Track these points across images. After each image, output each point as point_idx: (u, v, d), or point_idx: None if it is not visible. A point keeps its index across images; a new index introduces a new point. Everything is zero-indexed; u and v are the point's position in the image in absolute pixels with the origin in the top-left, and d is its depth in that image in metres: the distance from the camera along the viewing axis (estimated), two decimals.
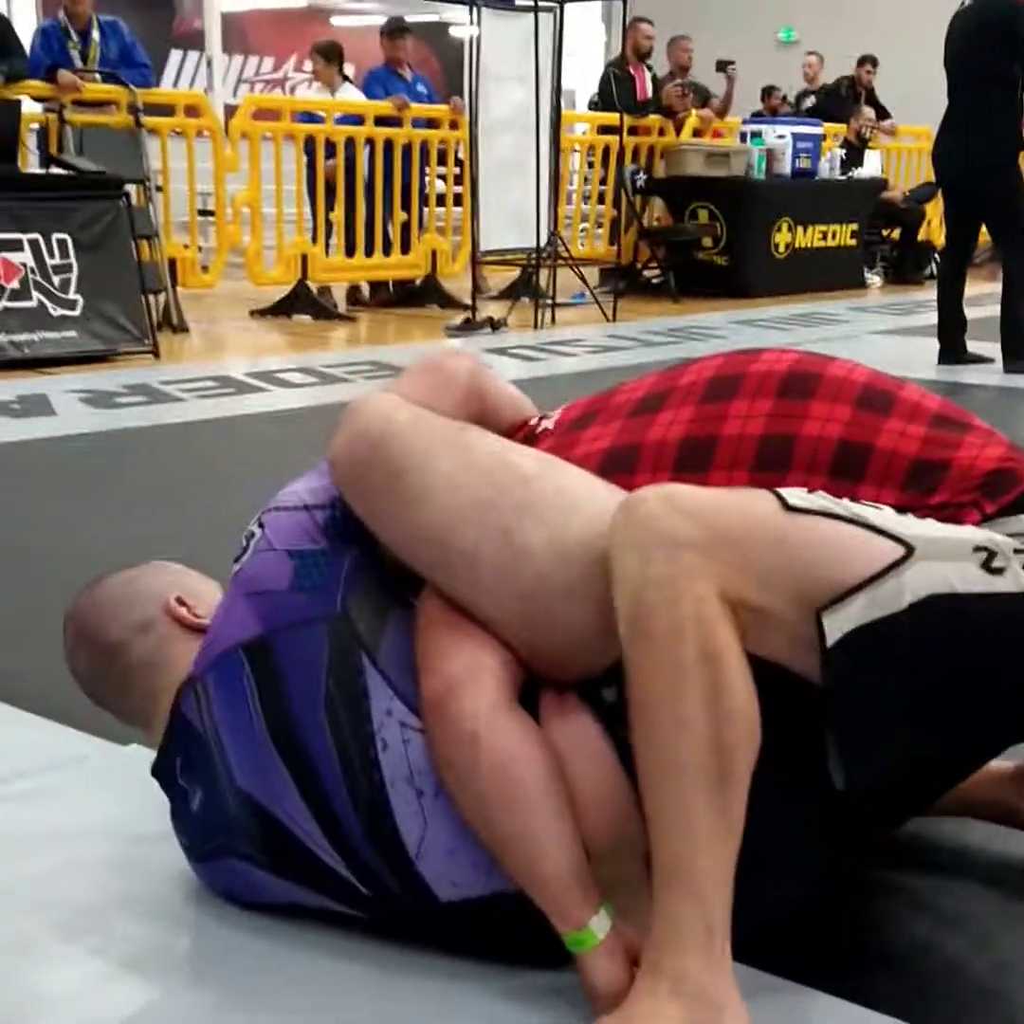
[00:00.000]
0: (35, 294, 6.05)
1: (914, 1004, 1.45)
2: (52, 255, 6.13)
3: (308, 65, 9.21)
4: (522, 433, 1.68)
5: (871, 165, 10.81)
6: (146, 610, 1.68)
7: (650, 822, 1.31)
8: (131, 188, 6.72)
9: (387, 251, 8.66)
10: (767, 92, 12.60)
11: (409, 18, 9.88)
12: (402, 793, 1.43)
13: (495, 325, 7.67)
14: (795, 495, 1.37)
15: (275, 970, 1.50)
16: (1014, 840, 1.78)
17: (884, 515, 1.38)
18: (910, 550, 1.33)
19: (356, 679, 1.45)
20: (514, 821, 1.37)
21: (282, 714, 1.46)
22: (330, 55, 8.86)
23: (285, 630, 1.48)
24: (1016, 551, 1.38)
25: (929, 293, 6.88)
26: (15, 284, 6.00)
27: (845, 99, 11.73)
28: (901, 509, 1.42)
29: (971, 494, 1.46)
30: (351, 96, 8.79)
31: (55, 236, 6.15)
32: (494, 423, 1.65)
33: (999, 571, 1.35)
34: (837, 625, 1.30)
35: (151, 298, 6.73)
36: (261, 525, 1.58)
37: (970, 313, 6.49)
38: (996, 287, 6.36)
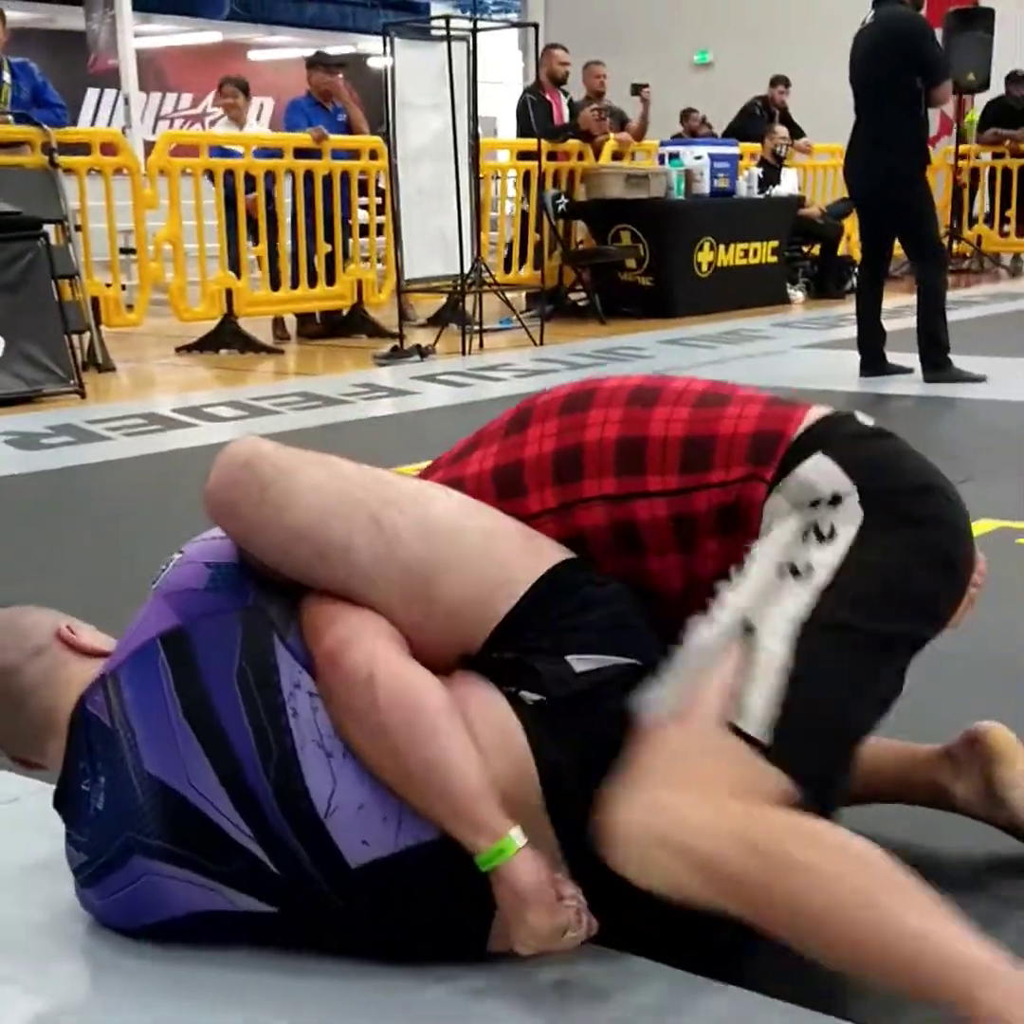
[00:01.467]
0: None
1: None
2: None
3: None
4: None
5: (788, 183, 10.96)
6: (36, 636, 1.71)
7: None
8: (49, 228, 6.68)
9: (312, 283, 8.66)
10: (685, 114, 12.75)
11: (328, 50, 9.91)
12: (312, 754, 1.48)
13: (423, 352, 7.68)
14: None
15: (208, 990, 1.48)
16: (945, 832, 1.80)
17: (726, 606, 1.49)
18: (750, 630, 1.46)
19: (267, 656, 1.53)
20: (418, 746, 1.42)
21: (196, 692, 1.52)
22: (246, 89, 8.90)
23: (200, 619, 1.56)
24: (805, 533, 1.50)
25: (851, 307, 6.97)
26: None
27: (759, 118, 11.89)
28: (684, 491, 1.56)
29: (744, 466, 1.56)
30: (260, 129, 8.83)
31: None
32: None
33: (806, 571, 1.47)
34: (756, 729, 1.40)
35: (75, 338, 6.68)
36: (181, 551, 1.67)
37: (889, 325, 6.58)
38: (914, 299, 6.45)
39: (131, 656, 1.57)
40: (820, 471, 1.53)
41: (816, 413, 1.60)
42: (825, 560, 1.48)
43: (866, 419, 1.64)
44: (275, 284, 8.49)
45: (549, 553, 1.59)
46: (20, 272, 6.25)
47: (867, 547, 1.49)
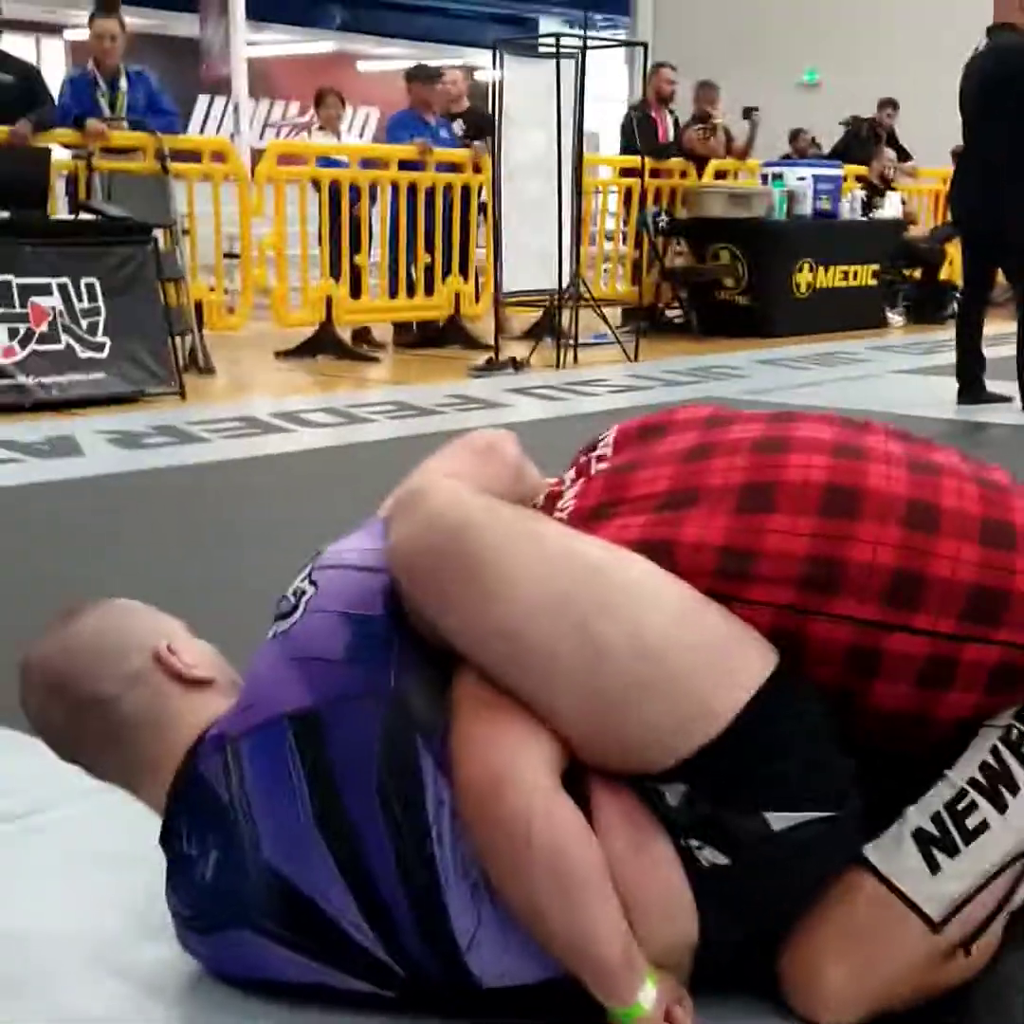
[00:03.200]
0: (63, 337, 6.15)
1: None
2: (81, 299, 6.22)
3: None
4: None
5: (892, 206, 10.87)
6: (133, 660, 1.55)
7: None
8: (158, 233, 6.83)
9: (411, 293, 8.76)
10: (794, 134, 12.70)
11: (434, 63, 10.02)
12: (456, 888, 1.39)
13: (517, 365, 7.73)
14: (929, 898, 1.44)
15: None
16: None
17: (993, 835, 1.45)
18: None
19: (410, 764, 1.40)
20: (567, 910, 1.35)
21: (332, 799, 1.40)
22: (320, 103, 9.20)
23: (336, 704, 1.41)
24: None
25: (950, 333, 6.90)
26: (44, 328, 6.09)
27: (866, 141, 11.80)
28: (958, 639, 1.42)
29: None
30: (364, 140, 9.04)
31: (83, 280, 6.24)
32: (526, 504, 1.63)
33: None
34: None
35: (178, 340, 6.82)
36: (313, 582, 1.51)
37: (989, 352, 6.50)
38: (1015, 327, 6.37)
39: (256, 730, 1.44)
40: None
41: None
42: None
43: None
44: (359, 292, 8.59)
45: (756, 669, 1.41)
46: (128, 275, 6.40)
47: None
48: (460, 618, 1.40)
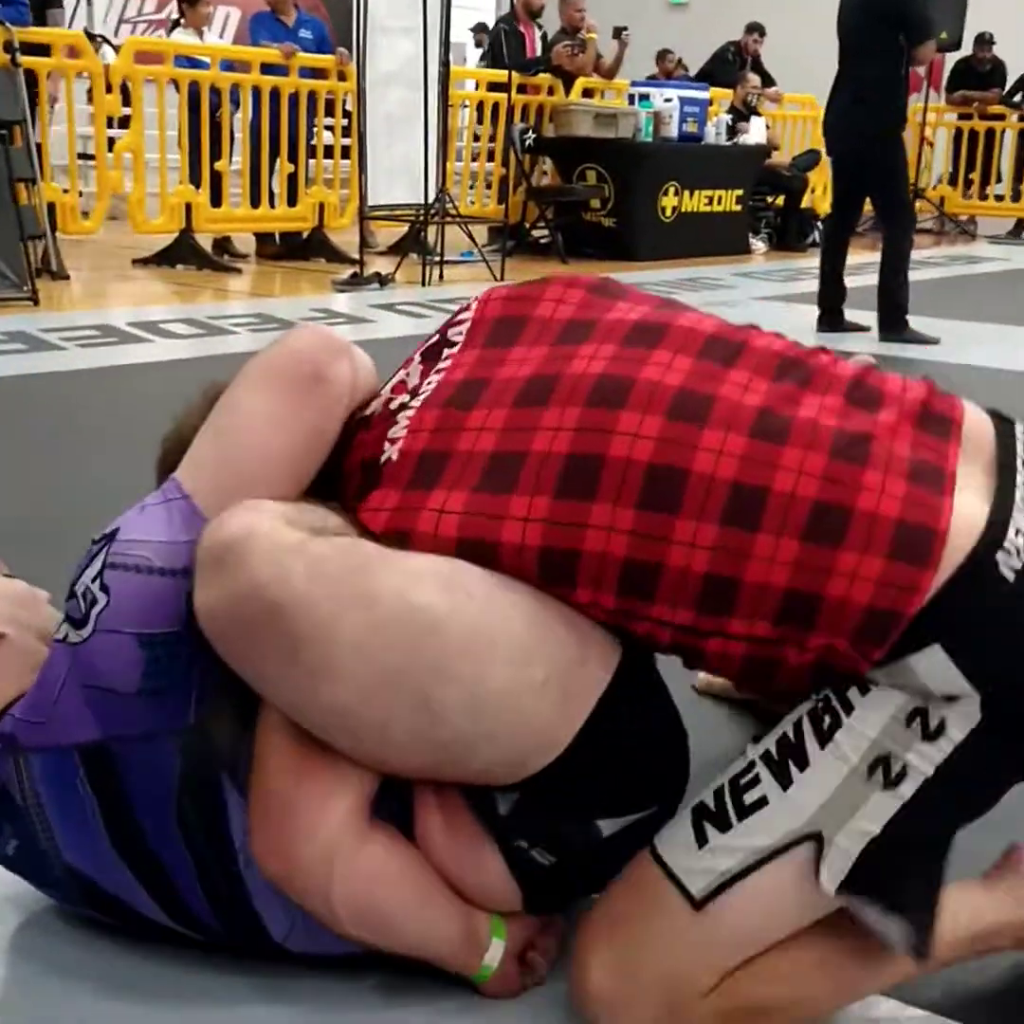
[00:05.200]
0: None
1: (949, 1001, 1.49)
2: None
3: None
4: (368, 449, 1.47)
5: (756, 132, 10.94)
6: None
7: None
8: (7, 130, 6.54)
9: (273, 203, 8.55)
10: (661, 55, 12.67)
11: None
12: (266, 899, 1.37)
13: (383, 280, 7.62)
14: (690, 871, 1.33)
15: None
16: None
17: (771, 811, 1.31)
18: (820, 841, 1.29)
19: (213, 796, 1.34)
20: (390, 940, 1.37)
21: (126, 824, 1.36)
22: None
23: (129, 741, 1.33)
24: (910, 716, 1.28)
25: (811, 261, 7.00)
26: None
27: (731, 64, 11.84)
28: (773, 642, 1.30)
29: (846, 640, 1.27)
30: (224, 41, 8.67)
31: None
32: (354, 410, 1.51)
33: (900, 778, 1.28)
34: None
35: (30, 243, 6.57)
36: (104, 588, 1.34)
37: (849, 282, 6.61)
38: (876, 257, 6.49)
39: (46, 751, 1.36)
40: (935, 671, 1.26)
41: (954, 559, 1.25)
42: (921, 765, 1.28)
43: None
44: (219, 200, 8.37)
45: (594, 685, 1.36)
46: None
47: (973, 758, 1.28)
48: (279, 694, 1.29)
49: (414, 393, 1.49)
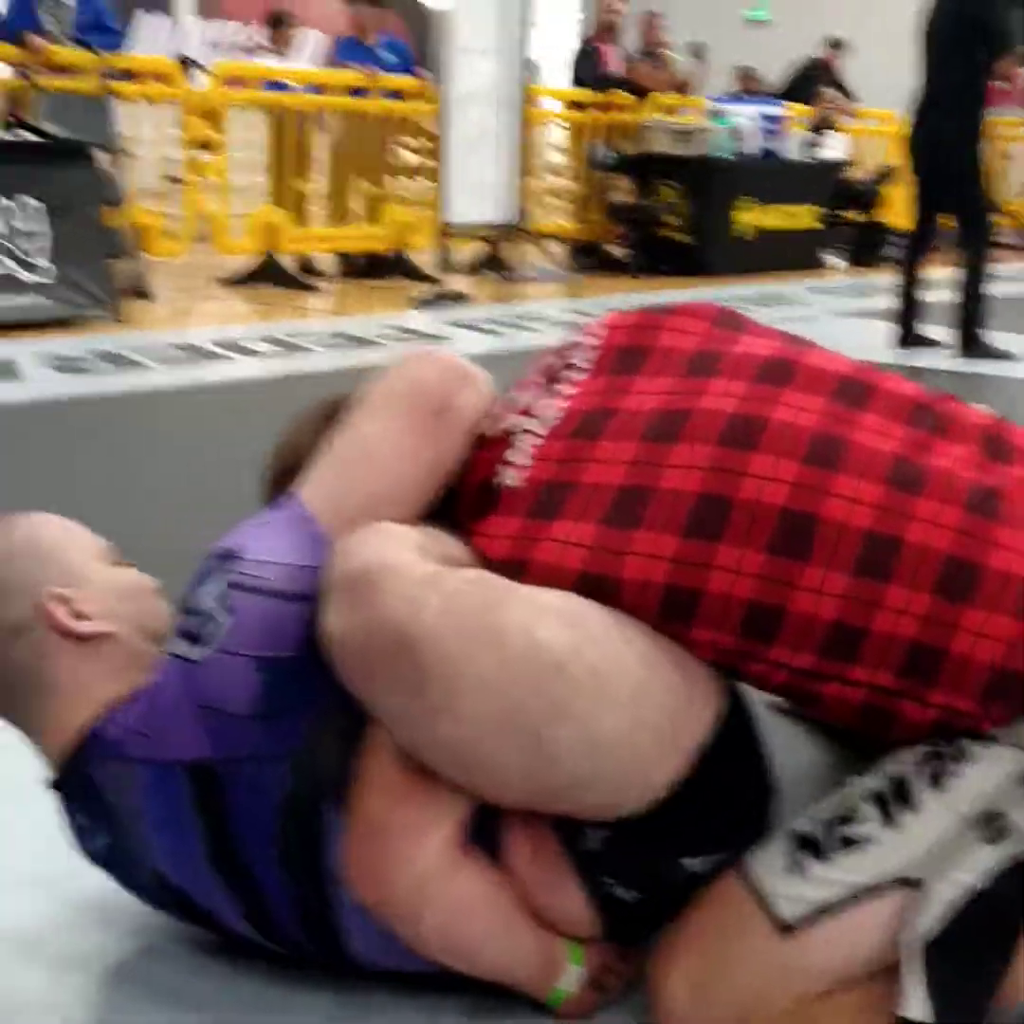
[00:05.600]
0: (2, 259, 6.08)
1: None
2: (20, 220, 6.15)
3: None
4: (484, 472, 1.48)
5: (834, 147, 10.92)
6: (15, 608, 1.45)
7: None
8: (100, 155, 6.75)
9: (354, 222, 8.71)
10: (741, 72, 12.69)
11: None
12: (354, 918, 1.39)
13: (460, 298, 7.74)
14: (781, 896, 1.33)
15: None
16: None
17: (872, 849, 1.31)
18: (916, 886, 1.29)
19: (313, 818, 1.35)
20: (472, 966, 1.41)
21: (226, 844, 1.37)
22: (279, 23, 8.97)
23: (239, 762, 1.34)
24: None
25: (887, 276, 6.98)
26: None
27: (811, 80, 11.83)
28: (896, 694, 1.30)
29: (972, 701, 1.29)
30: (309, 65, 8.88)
31: (23, 201, 6.16)
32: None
33: (1005, 835, 1.29)
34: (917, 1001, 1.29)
35: (118, 265, 6.75)
36: (230, 609, 1.35)
37: (927, 296, 6.59)
38: (954, 272, 6.46)
39: (153, 764, 1.37)
40: None
41: None
42: None
43: None
44: (303, 220, 8.54)
45: (697, 729, 1.36)
46: (70, 197, 6.31)
47: None
48: (398, 724, 1.30)
49: (531, 415, 1.49)
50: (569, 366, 1.55)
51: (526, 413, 1.51)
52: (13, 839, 1.79)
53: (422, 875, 1.32)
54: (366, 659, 1.27)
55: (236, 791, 1.35)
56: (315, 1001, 1.49)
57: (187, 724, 1.35)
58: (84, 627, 1.45)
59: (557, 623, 1.29)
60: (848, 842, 1.33)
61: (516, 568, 1.36)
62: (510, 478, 1.43)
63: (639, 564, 1.33)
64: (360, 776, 1.33)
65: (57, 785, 1.45)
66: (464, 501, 1.48)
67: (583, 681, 1.28)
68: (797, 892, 1.32)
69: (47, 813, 1.50)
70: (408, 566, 1.27)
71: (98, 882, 1.52)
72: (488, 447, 1.49)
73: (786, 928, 1.32)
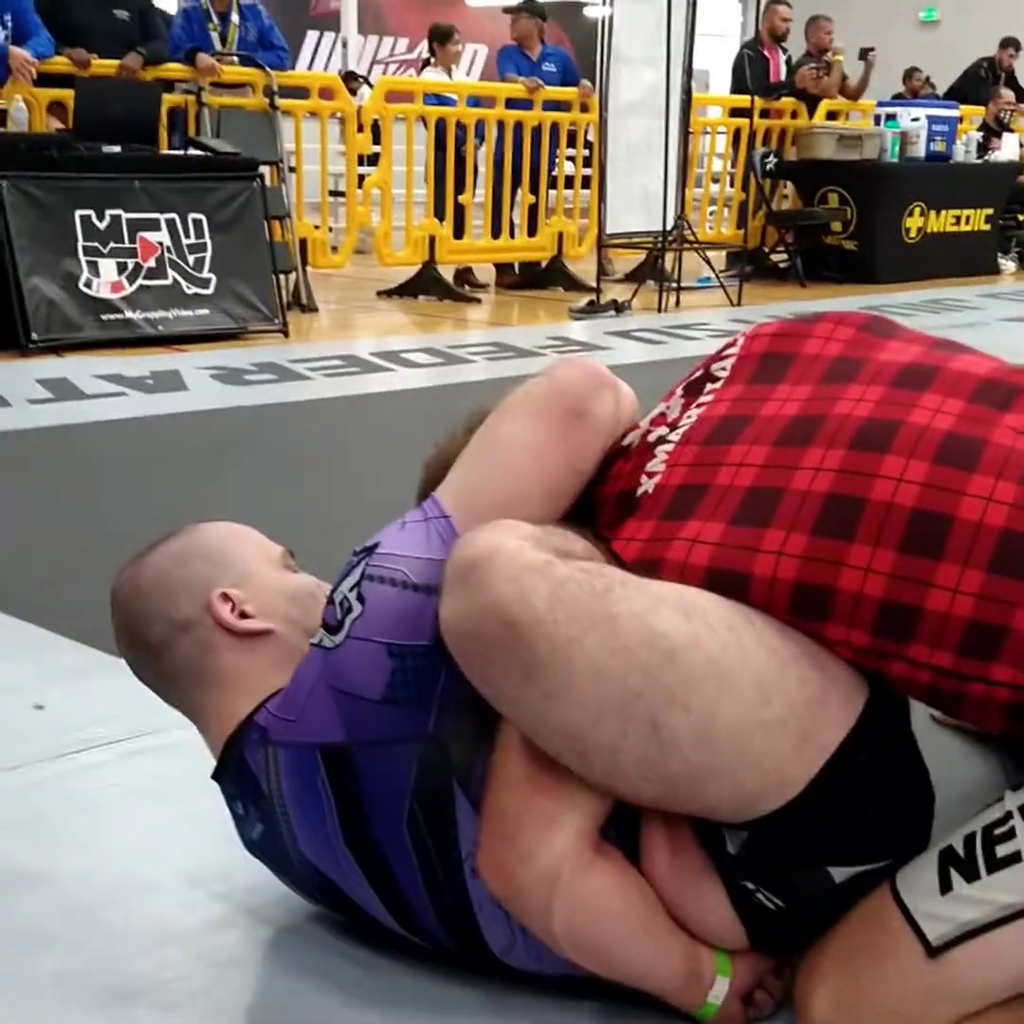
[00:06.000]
0: (170, 272, 6.24)
1: None
2: (188, 234, 6.31)
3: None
4: (621, 483, 1.49)
5: (1009, 148, 10.59)
6: (187, 606, 1.52)
7: None
8: (265, 169, 6.88)
9: (513, 233, 8.74)
10: (908, 74, 12.40)
11: None
12: (490, 913, 1.39)
13: (619, 308, 7.69)
14: (930, 916, 1.30)
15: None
16: None
17: (1022, 872, 1.27)
18: None
19: (444, 805, 1.37)
20: (608, 969, 1.38)
21: (359, 826, 1.40)
22: (444, 38, 9.02)
23: (369, 745, 1.38)
24: None
25: None
26: (152, 263, 6.18)
27: (984, 81, 11.50)
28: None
29: None
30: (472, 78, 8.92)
31: (191, 216, 6.32)
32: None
33: None
34: None
35: (282, 278, 6.89)
36: (361, 598, 1.39)
37: None
38: None
39: (291, 746, 1.42)
40: None
41: None
42: None
43: None
44: (462, 232, 8.58)
45: (836, 726, 1.33)
46: (235, 212, 6.47)
47: None
48: (514, 711, 1.31)
49: (673, 426, 1.50)
50: (709, 377, 1.55)
51: (664, 423, 1.52)
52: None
53: (549, 869, 1.31)
54: (478, 644, 1.28)
55: (368, 775, 1.38)
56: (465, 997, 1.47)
57: (322, 708, 1.39)
58: (245, 624, 1.52)
59: (672, 612, 1.29)
60: (998, 860, 1.29)
61: (648, 568, 1.36)
62: (647, 486, 1.45)
63: (768, 561, 1.32)
64: (492, 769, 1.34)
65: (217, 775, 1.51)
66: (604, 512, 1.48)
67: (698, 672, 1.27)
68: (945, 912, 1.29)
69: None
70: (520, 554, 1.28)
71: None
72: (629, 458, 1.50)
73: (933, 950, 1.28)
